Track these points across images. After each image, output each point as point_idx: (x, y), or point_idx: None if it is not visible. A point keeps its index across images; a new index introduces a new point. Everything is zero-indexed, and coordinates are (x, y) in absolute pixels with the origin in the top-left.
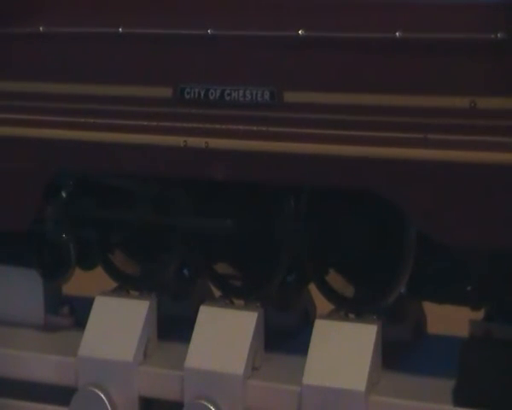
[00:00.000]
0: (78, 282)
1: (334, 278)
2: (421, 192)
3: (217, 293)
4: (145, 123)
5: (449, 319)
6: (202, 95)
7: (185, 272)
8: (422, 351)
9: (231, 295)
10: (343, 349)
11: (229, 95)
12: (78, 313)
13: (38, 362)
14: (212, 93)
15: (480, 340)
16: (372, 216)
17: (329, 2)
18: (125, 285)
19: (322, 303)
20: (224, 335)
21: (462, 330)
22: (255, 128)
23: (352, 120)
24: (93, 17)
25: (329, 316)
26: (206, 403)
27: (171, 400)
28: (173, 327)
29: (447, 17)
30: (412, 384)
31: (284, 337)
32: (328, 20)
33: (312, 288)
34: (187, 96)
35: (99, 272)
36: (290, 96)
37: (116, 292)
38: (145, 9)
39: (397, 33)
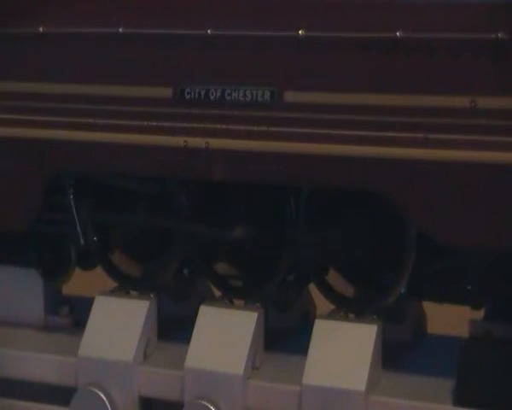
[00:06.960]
0: (78, 282)
1: (334, 278)
2: (421, 192)
3: (217, 293)
4: (145, 123)
5: (449, 319)
6: (202, 95)
7: (185, 272)
8: (422, 351)
9: (231, 295)
10: (343, 349)
11: (230, 95)
12: (78, 313)
13: (38, 362)
14: (212, 93)
15: (480, 340)
16: (372, 216)
17: (329, 2)
18: (125, 285)
19: (322, 303)
20: (224, 335)
21: (462, 330)
22: (255, 128)
23: (352, 119)
24: (93, 17)
25: (329, 316)
26: (206, 403)
27: (171, 400)
28: (173, 327)
29: (447, 17)
30: (412, 384)
31: (284, 337)
32: (328, 20)
33: (312, 288)
34: (187, 96)
35: (99, 272)
36: (290, 96)
37: (116, 292)
38: (145, 9)
39: (397, 33)
